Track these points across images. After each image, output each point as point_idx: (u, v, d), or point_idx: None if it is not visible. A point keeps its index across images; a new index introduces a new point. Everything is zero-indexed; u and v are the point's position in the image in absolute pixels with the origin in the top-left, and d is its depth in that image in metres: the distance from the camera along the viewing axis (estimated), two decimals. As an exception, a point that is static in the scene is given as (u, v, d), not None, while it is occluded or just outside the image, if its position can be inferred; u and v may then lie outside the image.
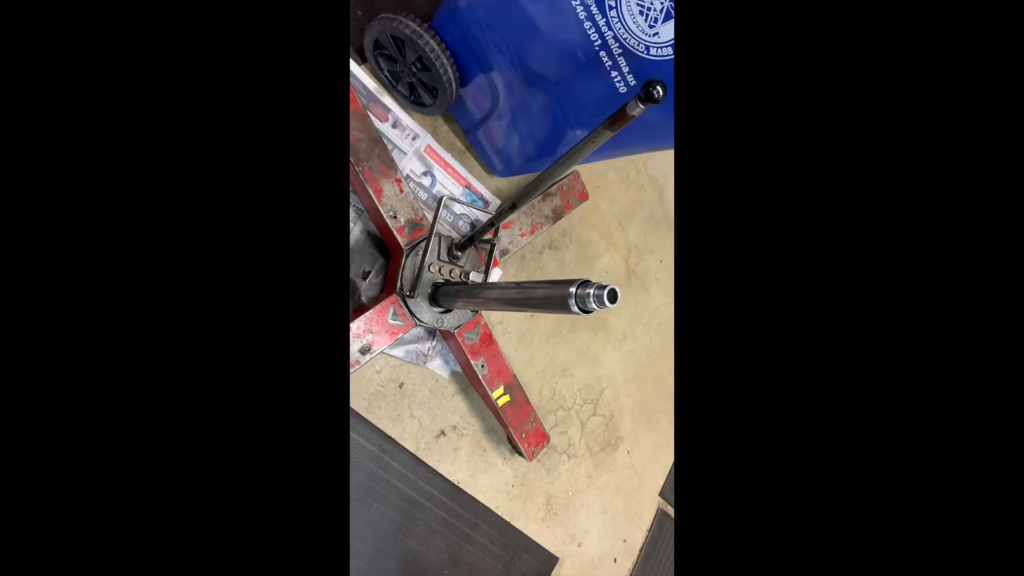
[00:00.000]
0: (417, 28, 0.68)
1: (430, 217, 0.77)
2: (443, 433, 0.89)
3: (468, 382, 0.91)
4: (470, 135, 0.88)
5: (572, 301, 0.46)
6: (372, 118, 0.77)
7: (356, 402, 0.79)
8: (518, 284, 0.58)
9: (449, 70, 0.71)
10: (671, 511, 1.25)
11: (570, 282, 0.47)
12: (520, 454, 0.93)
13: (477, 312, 0.83)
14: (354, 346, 0.71)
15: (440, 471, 0.88)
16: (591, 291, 0.45)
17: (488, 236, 0.79)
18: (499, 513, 0.95)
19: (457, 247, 0.78)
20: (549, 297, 0.50)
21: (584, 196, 1.03)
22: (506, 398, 0.87)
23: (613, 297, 0.44)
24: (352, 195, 0.79)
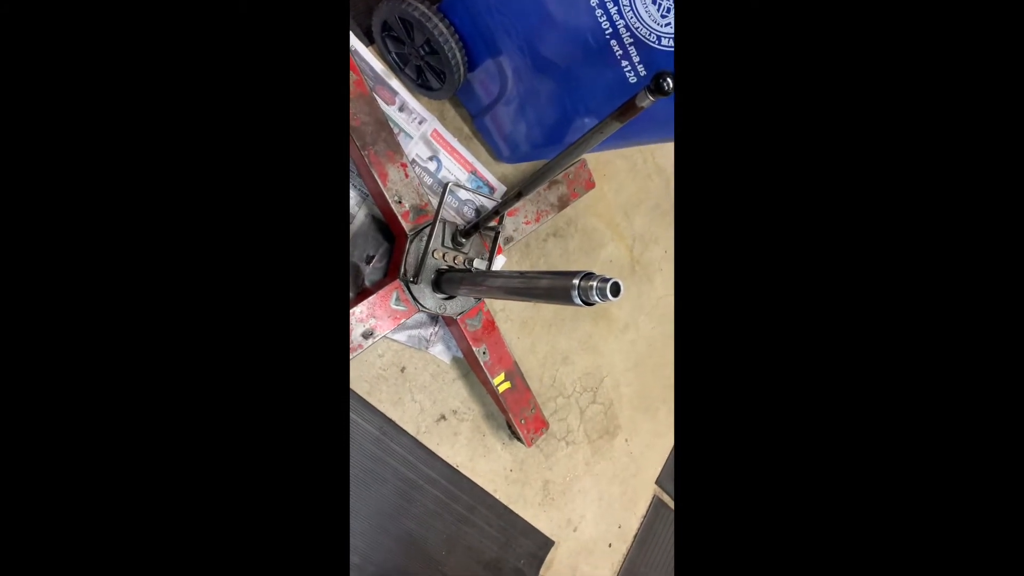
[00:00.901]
0: (426, 11, 0.67)
1: (435, 203, 0.77)
2: (443, 417, 0.90)
3: (469, 368, 0.92)
4: (477, 120, 0.87)
5: (575, 293, 0.46)
6: (379, 101, 0.76)
7: (358, 385, 0.80)
8: (521, 274, 0.58)
9: (457, 54, 0.70)
10: (667, 499, 1.26)
11: (573, 274, 0.46)
12: (519, 440, 0.94)
13: (480, 298, 0.83)
14: (357, 330, 0.72)
15: (440, 454, 0.89)
16: (594, 283, 0.45)
17: (493, 223, 0.79)
18: (497, 497, 0.97)
19: (462, 234, 0.78)
20: (552, 288, 0.50)
21: (590, 184, 1.02)
22: (507, 385, 0.87)
23: (616, 290, 0.44)
24: (357, 179, 0.78)
